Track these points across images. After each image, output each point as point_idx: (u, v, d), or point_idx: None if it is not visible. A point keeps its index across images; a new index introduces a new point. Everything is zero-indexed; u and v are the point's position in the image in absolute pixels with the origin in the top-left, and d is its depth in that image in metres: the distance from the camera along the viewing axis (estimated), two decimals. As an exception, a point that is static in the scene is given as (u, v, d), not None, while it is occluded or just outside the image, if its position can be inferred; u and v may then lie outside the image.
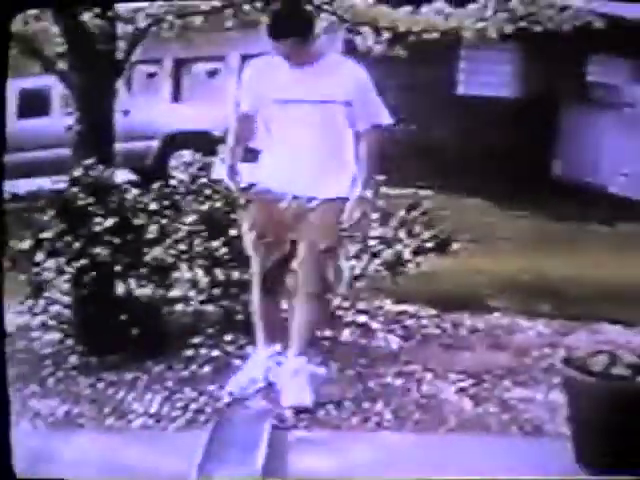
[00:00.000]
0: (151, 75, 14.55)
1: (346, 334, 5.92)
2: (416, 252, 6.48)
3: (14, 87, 13.75)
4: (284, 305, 5.20)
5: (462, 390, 5.00)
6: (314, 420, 4.61)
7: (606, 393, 4.08)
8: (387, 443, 4.38)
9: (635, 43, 13.05)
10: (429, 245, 6.42)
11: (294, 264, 4.83)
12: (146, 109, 13.62)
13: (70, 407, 4.82)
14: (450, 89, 15.49)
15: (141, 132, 12.86)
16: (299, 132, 4.68)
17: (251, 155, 4.96)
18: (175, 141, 13.80)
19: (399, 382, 5.10)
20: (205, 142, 6.61)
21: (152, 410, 4.73)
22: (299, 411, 4.59)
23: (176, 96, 16.89)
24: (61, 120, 13.43)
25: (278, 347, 4.85)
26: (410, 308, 6.62)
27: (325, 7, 7.69)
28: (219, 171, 5.08)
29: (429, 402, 4.85)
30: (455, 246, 7.10)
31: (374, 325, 6.15)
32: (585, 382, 4.09)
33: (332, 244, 4.79)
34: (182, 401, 4.82)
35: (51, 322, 5.75)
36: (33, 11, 6.66)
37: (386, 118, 4.81)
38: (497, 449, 4.32)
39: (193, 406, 4.76)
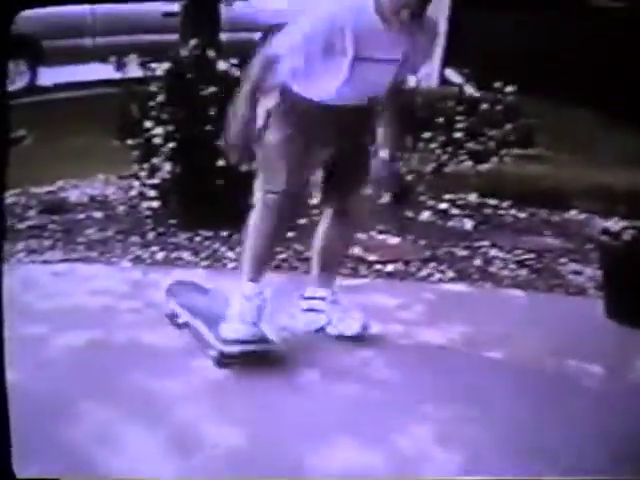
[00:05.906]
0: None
1: (425, 215, 6.86)
2: (499, 145, 7.35)
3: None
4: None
5: (521, 262, 5.93)
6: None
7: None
8: (445, 292, 5.39)
9: None
10: (511, 138, 7.26)
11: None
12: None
13: (168, 253, 5.89)
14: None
15: (244, 23, 13.75)
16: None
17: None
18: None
19: (465, 253, 6.06)
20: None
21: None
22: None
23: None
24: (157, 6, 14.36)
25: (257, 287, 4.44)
26: (491, 201, 7.46)
27: None
28: None
29: (489, 268, 5.81)
30: (542, 150, 7.92)
31: (452, 211, 7.07)
32: (614, 247, 5.02)
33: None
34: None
35: (153, 190, 6.77)
36: None
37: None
38: (541, 303, 5.28)
39: (282, 256, 5.73)
